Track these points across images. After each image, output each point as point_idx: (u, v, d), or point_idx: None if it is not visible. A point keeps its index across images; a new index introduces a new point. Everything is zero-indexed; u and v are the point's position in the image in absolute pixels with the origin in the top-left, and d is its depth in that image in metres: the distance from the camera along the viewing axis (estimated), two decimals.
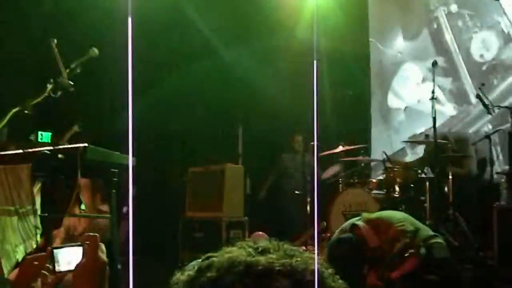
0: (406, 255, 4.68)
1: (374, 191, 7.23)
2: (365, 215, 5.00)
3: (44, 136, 7.42)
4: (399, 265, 4.67)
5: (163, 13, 8.73)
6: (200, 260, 1.10)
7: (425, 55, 8.89)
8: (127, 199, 4.96)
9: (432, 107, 6.60)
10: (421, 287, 4.77)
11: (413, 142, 7.59)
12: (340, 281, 1.04)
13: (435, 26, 9.37)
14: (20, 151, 4.51)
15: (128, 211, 5.65)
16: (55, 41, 4.41)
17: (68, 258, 1.76)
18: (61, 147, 4.22)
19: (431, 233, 5.04)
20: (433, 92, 6.67)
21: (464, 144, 7.43)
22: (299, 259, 0.99)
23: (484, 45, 8.81)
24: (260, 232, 8.13)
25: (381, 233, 4.76)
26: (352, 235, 4.74)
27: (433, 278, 4.80)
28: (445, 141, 6.94)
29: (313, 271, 0.99)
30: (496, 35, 8.68)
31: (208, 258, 1.03)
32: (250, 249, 1.01)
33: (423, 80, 8.96)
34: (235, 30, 9.53)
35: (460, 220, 6.55)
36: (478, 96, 6.87)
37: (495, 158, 7.14)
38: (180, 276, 1.03)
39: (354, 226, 4.81)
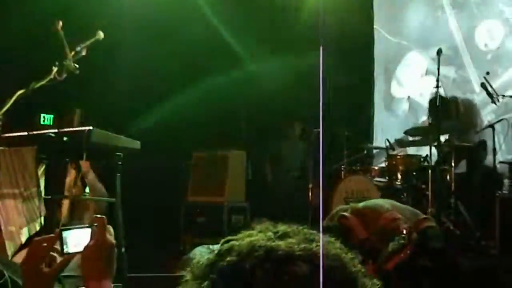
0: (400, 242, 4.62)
1: (376, 179, 7.22)
2: (353, 205, 4.94)
3: (47, 118, 7.41)
4: (393, 256, 4.63)
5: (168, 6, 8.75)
6: (205, 246, 1.10)
7: (430, 43, 8.85)
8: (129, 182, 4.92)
9: (437, 95, 6.59)
10: (415, 274, 4.74)
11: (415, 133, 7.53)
12: (359, 265, 1.04)
13: (440, 13, 9.33)
14: (25, 133, 4.51)
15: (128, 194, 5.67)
16: (61, 23, 4.39)
17: (76, 240, 1.76)
18: (66, 129, 4.22)
19: (422, 215, 5.00)
20: (437, 80, 6.66)
21: (473, 110, 7.40)
22: (319, 243, 0.99)
23: (489, 34, 8.77)
24: (262, 218, 8.17)
25: (370, 224, 4.70)
26: (338, 224, 4.69)
27: (427, 264, 4.80)
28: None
29: (334, 255, 0.99)
30: (501, 24, 8.64)
31: (228, 241, 1.03)
32: (270, 233, 1.01)
33: (427, 72, 8.93)
34: (239, 18, 9.49)
35: (462, 209, 6.55)
36: (482, 85, 6.84)
37: (497, 147, 7.12)
38: (200, 259, 1.03)
39: (341, 217, 4.76)
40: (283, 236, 1.01)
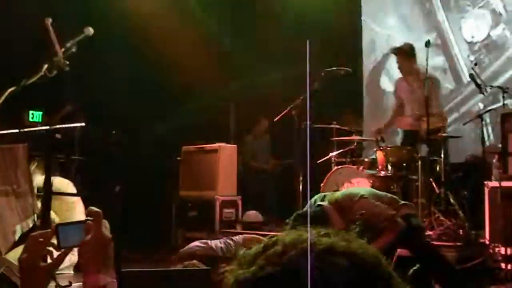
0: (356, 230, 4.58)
1: (367, 170, 7.25)
2: (330, 195, 4.90)
3: (35, 115, 7.40)
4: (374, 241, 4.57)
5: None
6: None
7: (418, 35, 8.89)
8: (119, 178, 5.01)
9: (426, 87, 6.62)
10: (396, 262, 4.72)
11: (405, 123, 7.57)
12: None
13: (427, 5, 9.37)
14: (16, 130, 4.51)
15: (120, 190, 5.70)
16: (51, 20, 4.38)
17: (73, 234, 1.78)
18: (58, 126, 4.22)
19: (401, 202, 5.00)
20: (426, 71, 6.69)
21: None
22: (356, 243, 1.05)
23: (475, 25, 8.82)
24: (253, 211, 8.21)
25: (347, 212, 4.67)
26: (318, 210, 4.65)
27: (407, 253, 4.81)
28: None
29: (373, 254, 1.04)
30: (489, 15, 8.69)
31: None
32: (313, 231, 1.07)
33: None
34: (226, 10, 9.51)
35: (452, 199, 6.60)
36: (471, 76, 6.87)
37: (486, 137, 7.18)
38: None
39: (319, 207, 4.73)
40: (325, 235, 1.06)
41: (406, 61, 7.18)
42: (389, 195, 5.04)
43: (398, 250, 4.78)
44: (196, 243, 5.71)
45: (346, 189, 5.09)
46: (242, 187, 8.47)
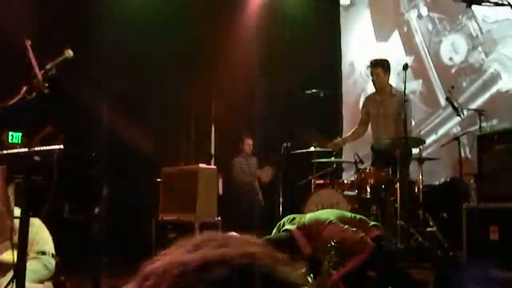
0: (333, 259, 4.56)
1: (346, 192, 7.28)
2: (298, 218, 4.86)
3: (15, 136, 7.35)
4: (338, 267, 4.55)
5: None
6: None
7: (396, 57, 8.99)
8: (99, 200, 4.98)
9: (403, 109, 6.69)
10: (363, 284, 4.71)
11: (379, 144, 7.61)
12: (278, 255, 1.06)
13: (405, 29, 9.50)
14: None
15: (99, 211, 5.67)
16: (30, 42, 4.39)
17: None
18: (36, 148, 4.21)
19: (370, 223, 4.98)
20: (404, 94, 6.75)
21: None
22: (232, 245, 1.02)
23: (453, 48, 8.95)
24: (233, 233, 8.19)
25: (315, 237, 4.64)
26: (285, 234, 4.62)
27: (374, 275, 4.81)
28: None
29: (250, 254, 1.01)
30: (465, 39, 8.82)
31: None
32: (189, 247, 1.04)
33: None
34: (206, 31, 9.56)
35: (431, 221, 6.65)
36: (447, 99, 6.98)
37: (463, 159, 7.25)
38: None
39: (286, 231, 4.68)
40: (197, 247, 1.05)
41: (381, 75, 7.24)
42: (358, 216, 5.02)
43: (369, 272, 4.79)
44: None
45: (314, 213, 5.02)
46: (224, 208, 8.46)
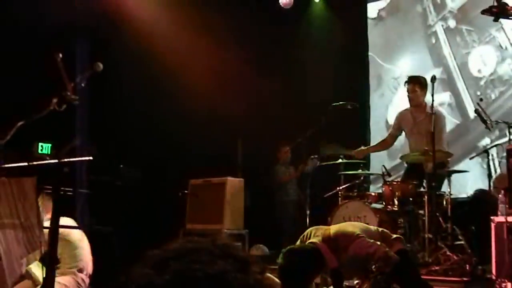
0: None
1: (373, 204, 7.24)
2: (323, 230, 4.83)
3: (44, 147, 7.44)
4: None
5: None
6: None
7: (424, 70, 8.95)
8: (126, 211, 5.03)
9: (432, 122, 6.64)
10: None
11: (410, 157, 7.56)
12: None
13: (434, 41, 9.45)
14: (25, 163, 4.55)
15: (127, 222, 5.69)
16: (60, 55, 4.46)
17: None
18: (66, 160, 4.26)
19: (392, 236, 4.95)
20: (432, 106, 6.72)
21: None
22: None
23: (482, 60, 8.88)
24: (260, 245, 8.20)
25: (340, 250, 4.57)
26: (310, 246, 4.59)
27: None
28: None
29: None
30: (494, 50, 8.75)
31: None
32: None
33: None
34: (233, 41, 9.59)
35: (459, 234, 6.59)
36: (476, 111, 6.91)
37: (493, 172, 7.18)
38: None
39: (312, 244, 4.61)
40: None
41: (418, 91, 7.21)
42: (381, 229, 5.00)
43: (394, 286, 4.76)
44: None
45: (339, 225, 4.99)
46: (251, 220, 8.46)
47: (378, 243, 4.62)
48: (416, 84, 7.25)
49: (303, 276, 4.41)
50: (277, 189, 9.72)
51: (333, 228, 4.79)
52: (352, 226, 4.89)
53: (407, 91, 7.32)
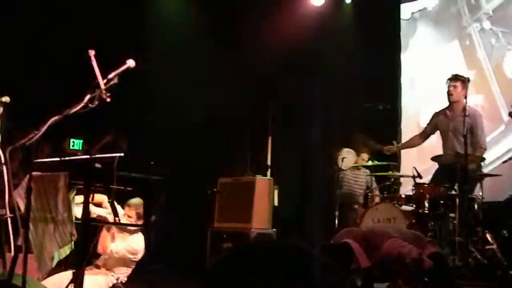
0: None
1: (403, 207, 7.18)
2: (356, 230, 4.80)
3: (76, 143, 7.51)
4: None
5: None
6: None
7: (457, 72, 8.83)
8: (156, 208, 5.06)
9: (464, 124, 6.58)
10: None
11: (442, 158, 7.48)
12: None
13: (468, 42, 9.34)
14: (57, 159, 4.60)
15: (155, 219, 5.75)
16: (93, 51, 4.50)
17: None
18: (98, 156, 4.29)
19: (426, 239, 4.91)
20: (464, 109, 6.67)
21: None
22: None
23: None
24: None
25: (373, 251, 4.62)
26: (343, 245, 4.55)
27: None
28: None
29: None
30: None
31: None
32: None
33: None
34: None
35: (490, 238, 6.51)
36: (510, 114, 6.84)
37: None
38: None
39: (345, 243, 4.63)
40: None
41: (459, 88, 7.17)
42: (414, 232, 4.97)
43: None
44: None
45: (372, 226, 4.99)
46: (279, 219, 8.46)
47: (411, 246, 4.59)
48: (458, 80, 7.23)
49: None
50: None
51: (365, 229, 4.79)
52: (385, 227, 4.88)
53: (448, 87, 7.28)
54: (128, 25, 8.58)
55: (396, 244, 4.53)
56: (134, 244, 6.16)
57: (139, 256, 6.18)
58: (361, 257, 4.50)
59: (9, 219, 4.31)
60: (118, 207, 6.00)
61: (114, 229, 6.19)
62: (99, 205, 5.29)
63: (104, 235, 6.14)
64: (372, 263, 4.51)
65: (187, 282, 7.13)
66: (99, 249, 6.11)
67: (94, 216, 5.48)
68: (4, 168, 4.29)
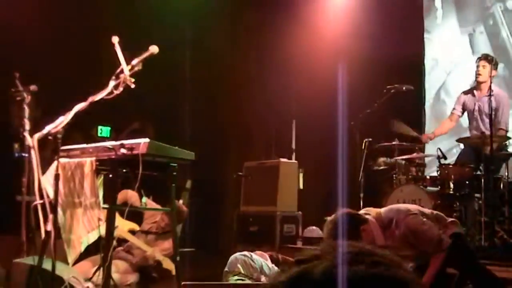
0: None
1: (428, 188, 7.12)
2: (375, 210, 4.71)
3: (104, 130, 7.55)
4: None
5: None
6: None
7: (482, 51, 8.69)
8: (181, 192, 5.03)
9: (489, 105, 6.50)
10: (444, 282, 4.55)
11: (468, 140, 7.38)
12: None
13: (491, 22, 9.19)
14: (84, 145, 4.62)
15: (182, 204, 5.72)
16: (117, 38, 4.49)
17: None
18: (124, 142, 4.30)
19: (447, 219, 4.81)
20: (490, 89, 6.58)
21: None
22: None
23: None
24: (314, 227, 8.17)
25: (390, 228, 4.46)
26: (361, 217, 4.47)
27: (454, 272, 4.66)
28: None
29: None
30: None
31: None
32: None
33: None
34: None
35: None
36: None
37: None
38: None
39: (364, 221, 4.57)
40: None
41: (488, 67, 7.05)
42: (435, 212, 4.88)
43: (448, 269, 4.65)
44: (236, 254, 5.92)
45: (394, 205, 4.91)
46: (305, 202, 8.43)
47: (431, 223, 4.53)
48: (486, 60, 7.10)
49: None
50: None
51: (386, 207, 4.73)
52: (405, 206, 4.82)
53: (477, 67, 7.16)
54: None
55: (416, 220, 4.46)
56: None
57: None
58: (377, 234, 4.44)
59: (39, 205, 4.33)
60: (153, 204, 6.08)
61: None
62: (125, 202, 5.27)
63: None
64: (388, 244, 4.42)
65: (216, 264, 7.15)
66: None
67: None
68: (33, 154, 4.32)
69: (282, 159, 8.33)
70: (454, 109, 7.63)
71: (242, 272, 5.93)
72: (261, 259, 6.17)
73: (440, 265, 4.42)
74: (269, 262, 6.22)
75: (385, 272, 0.97)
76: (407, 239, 4.43)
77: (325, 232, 4.35)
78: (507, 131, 7.01)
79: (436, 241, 4.43)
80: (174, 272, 4.79)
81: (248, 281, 5.81)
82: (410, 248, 4.48)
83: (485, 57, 7.16)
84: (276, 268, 6.08)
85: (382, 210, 4.65)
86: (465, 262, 4.74)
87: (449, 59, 9.56)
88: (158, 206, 6.07)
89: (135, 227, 6.57)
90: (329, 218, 4.39)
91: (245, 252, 6.20)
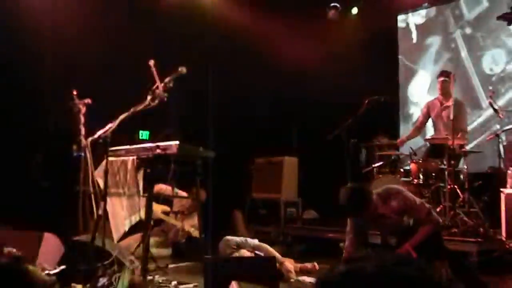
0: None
1: (403, 178, 7.09)
2: (375, 191, 4.60)
3: (144, 134, 7.54)
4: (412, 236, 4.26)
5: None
6: None
7: (444, 69, 8.63)
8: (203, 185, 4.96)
9: (452, 112, 6.45)
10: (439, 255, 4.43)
11: (434, 140, 7.31)
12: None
13: (453, 45, 9.13)
14: (128, 146, 4.64)
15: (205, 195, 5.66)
16: (153, 61, 4.52)
17: None
18: (158, 144, 4.32)
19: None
20: (451, 99, 6.53)
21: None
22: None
23: (493, 61, 8.53)
24: (311, 210, 8.16)
25: (388, 202, 4.30)
26: (367, 191, 4.29)
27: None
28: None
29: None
30: (504, 53, 8.40)
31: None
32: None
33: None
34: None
35: (474, 203, 6.36)
36: (489, 103, 6.66)
37: (502, 152, 6.88)
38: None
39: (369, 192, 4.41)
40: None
41: (448, 82, 6.97)
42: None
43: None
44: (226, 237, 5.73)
45: (387, 185, 4.76)
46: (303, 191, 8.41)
47: (421, 200, 4.48)
48: (447, 76, 7.03)
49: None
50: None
51: (382, 188, 4.55)
52: (396, 185, 4.69)
53: (439, 82, 7.08)
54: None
55: (412, 197, 4.39)
56: None
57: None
58: (380, 204, 4.30)
59: (92, 194, 4.36)
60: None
61: None
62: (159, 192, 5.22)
63: None
64: (390, 212, 4.30)
65: None
66: None
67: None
68: (87, 154, 4.35)
69: (286, 156, 8.40)
70: (420, 118, 7.57)
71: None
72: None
73: (426, 235, 4.28)
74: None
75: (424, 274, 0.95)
76: (404, 207, 4.32)
77: (341, 198, 4.22)
78: (465, 133, 6.95)
79: (427, 211, 4.33)
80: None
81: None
82: (404, 216, 4.37)
83: (446, 73, 7.11)
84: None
85: (381, 189, 4.51)
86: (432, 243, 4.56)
87: (418, 75, 9.48)
88: (184, 194, 6.09)
89: (167, 209, 6.60)
90: (344, 188, 4.28)
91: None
